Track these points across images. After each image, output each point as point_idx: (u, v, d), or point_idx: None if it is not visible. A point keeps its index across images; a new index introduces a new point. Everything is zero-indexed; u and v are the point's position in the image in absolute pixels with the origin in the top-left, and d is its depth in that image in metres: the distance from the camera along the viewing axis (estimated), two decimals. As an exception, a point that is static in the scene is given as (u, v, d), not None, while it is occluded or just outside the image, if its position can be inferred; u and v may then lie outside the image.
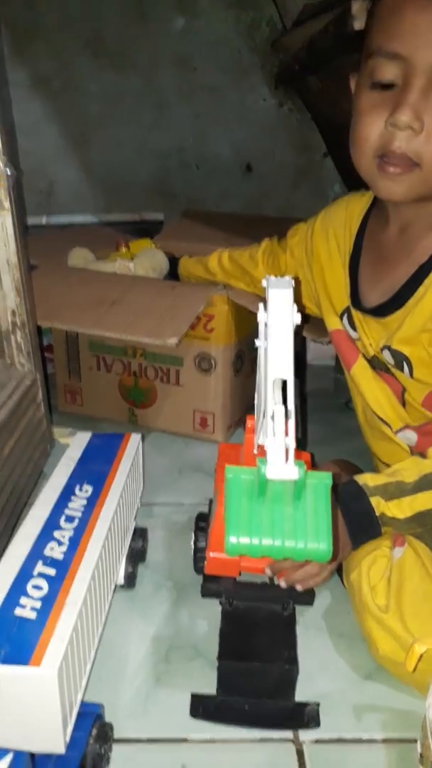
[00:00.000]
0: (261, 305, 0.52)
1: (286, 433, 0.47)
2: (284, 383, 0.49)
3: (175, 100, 1.53)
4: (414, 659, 0.52)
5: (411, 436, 0.75)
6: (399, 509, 0.63)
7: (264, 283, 0.54)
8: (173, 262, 1.09)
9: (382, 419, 0.76)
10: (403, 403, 0.74)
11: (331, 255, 0.79)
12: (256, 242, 0.98)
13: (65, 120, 1.52)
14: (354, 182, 0.82)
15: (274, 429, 0.47)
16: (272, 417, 0.47)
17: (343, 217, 0.79)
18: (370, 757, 0.56)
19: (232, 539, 0.47)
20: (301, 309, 0.54)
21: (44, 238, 1.33)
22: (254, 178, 1.60)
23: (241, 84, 1.53)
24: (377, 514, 0.63)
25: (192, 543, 0.73)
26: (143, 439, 0.81)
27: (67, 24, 1.46)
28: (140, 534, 0.76)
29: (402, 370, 0.70)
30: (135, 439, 0.79)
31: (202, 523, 0.74)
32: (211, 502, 0.75)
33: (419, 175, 0.60)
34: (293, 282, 0.54)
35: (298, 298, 0.68)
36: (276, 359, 0.50)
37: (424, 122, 0.58)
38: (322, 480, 0.49)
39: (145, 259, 1.09)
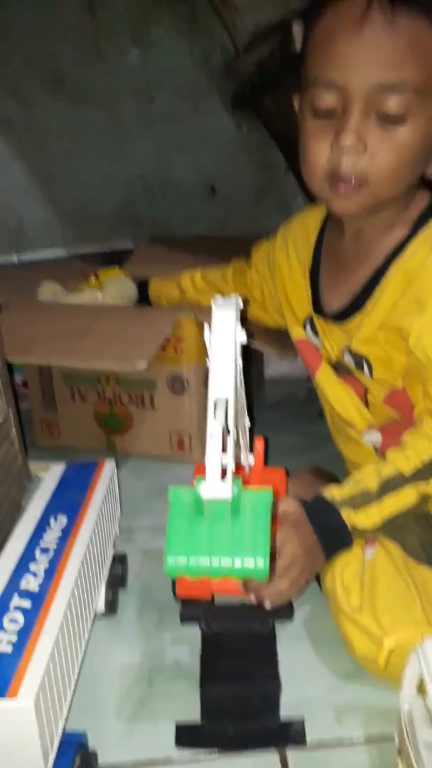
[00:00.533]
0: (207, 326, 0.53)
1: (224, 451, 0.48)
2: (226, 401, 0.50)
3: (135, 130, 1.56)
4: (384, 655, 0.53)
5: (376, 438, 0.77)
6: (368, 518, 0.64)
7: (212, 302, 0.55)
8: (143, 285, 1.11)
9: (347, 422, 0.78)
10: (367, 404, 0.76)
11: (291, 267, 0.82)
12: (223, 263, 1.01)
13: (30, 157, 1.55)
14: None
15: (212, 447, 0.47)
16: (211, 435, 0.48)
17: (301, 230, 0.82)
18: (352, 756, 0.57)
19: (170, 559, 0.47)
20: (248, 327, 0.54)
21: (13, 275, 1.35)
22: (219, 200, 1.63)
23: (199, 109, 1.57)
24: (349, 527, 0.65)
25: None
26: (121, 465, 0.82)
27: (25, 64, 1.49)
28: (119, 560, 0.77)
29: (362, 370, 0.73)
30: (109, 465, 0.81)
31: None
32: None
33: (369, 191, 0.64)
34: (240, 301, 0.55)
35: (247, 316, 0.69)
36: (216, 379, 0.50)
37: (367, 143, 0.61)
38: (261, 497, 0.48)
39: (113, 288, 1.11)
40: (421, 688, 0.51)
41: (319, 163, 0.64)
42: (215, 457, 0.47)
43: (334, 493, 0.66)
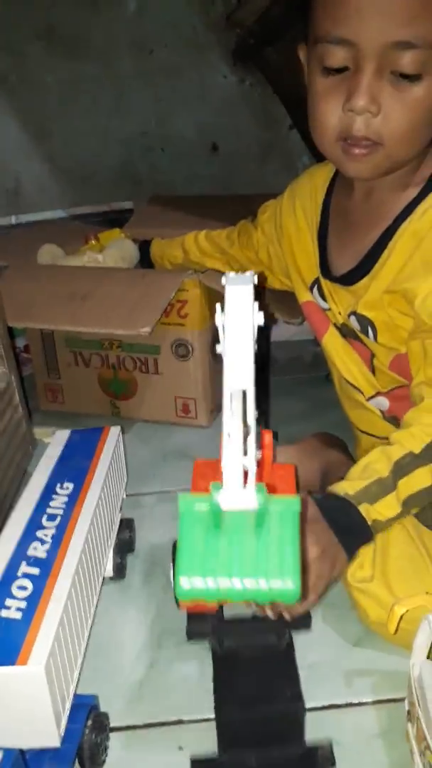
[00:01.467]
0: (218, 306, 0.47)
1: (245, 453, 0.41)
2: (244, 393, 0.44)
3: (134, 85, 1.51)
4: (395, 621, 0.53)
5: (383, 402, 0.75)
6: (388, 508, 0.60)
7: (223, 280, 0.50)
8: (145, 247, 1.08)
9: (354, 386, 0.77)
10: (373, 370, 0.74)
11: (299, 227, 0.80)
12: (226, 223, 0.98)
13: (25, 114, 1.50)
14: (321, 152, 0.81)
15: (230, 449, 0.41)
16: (228, 435, 0.41)
17: (309, 189, 0.80)
18: (360, 718, 0.57)
19: (184, 581, 0.39)
20: (265, 307, 0.49)
21: (12, 238, 1.32)
22: (221, 157, 1.58)
23: (199, 63, 1.51)
24: (369, 522, 0.60)
25: (171, 575, 0.65)
26: (127, 430, 0.81)
27: (18, 17, 1.43)
28: (127, 525, 0.77)
29: (367, 335, 0.71)
30: (114, 431, 0.80)
31: None
32: None
33: (383, 152, 0.61)
34: (255, 277, 0.49)
35: (262, 295, 0.64)
36: (233, 368, 0.44)
37: (381, 104, 0.58)
38: (289, 506, 0.41)
39: (114, 250, 1.08)
40: (430, 654, 0.52)
41: (330, 124, 0.61)
42: (235, 460, 0.41)
43: (345, 487, 0.61)
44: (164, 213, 1.30)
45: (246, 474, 0.41)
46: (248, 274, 0.49)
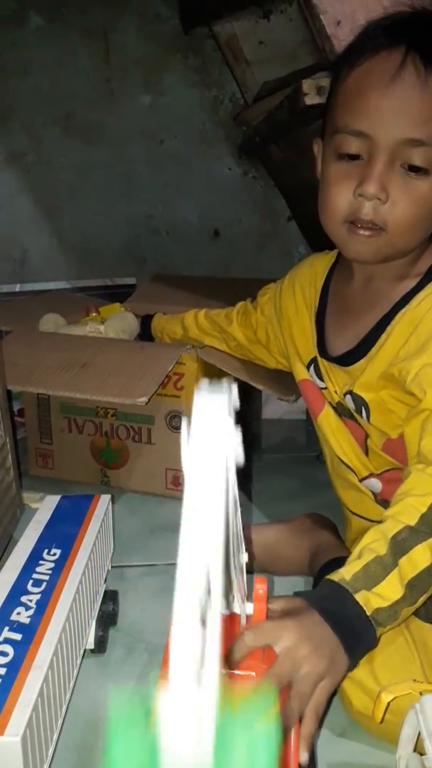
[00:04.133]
0: (184, 424, 0.34)
1: (201, 660, 0.28)
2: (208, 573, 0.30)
3: (144, 171, 1.60)
4: (381, 709, 0.51)
5: (375, 484, 0.76)
6: (390, 589, 0.55)
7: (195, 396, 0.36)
8: (146, 321, 1.12)
9: (347, 466, 0.78)
10: (366, 450, 0.75)
11: (298, 309, 0.84)
12: (224, 303, 1.03)
13: (38, 191, 1.58)
14: (317, 243, 0.86)
15: (179, 660, 0.28)
16: (182, 634, 0.28)
17: (309, 274, 0.84)
18: None
19: None
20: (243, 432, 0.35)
21: (16, 305, 1.35)
22: (222, 243, 1.66)
23: (206, 155, 1.61)
24: (369, 612, 0.53)
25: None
26: (115, 500, 0.81)
27: (40, 102, 1.53)
28: (111, 597, 0.75)
29: (361, 414, 0.73)
30: (104, 499, 0.80)
31: None
32: None
33: (386, 238, 0.65)
34: (234, 388, 0.36)
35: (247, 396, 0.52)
36: (192, 530, 0.31)
37: (389, 193, 0.63)
38: (262, 735, 0.27)
39: (115, 322, 1.11)
40: (418, 747, 0.50)
41: (339, 207, 0.65)
42: (185, 683, 0.27)
43: (342, 573, 0.55)
44: (165, 291, 1.35)
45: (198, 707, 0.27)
46: (224, 382, 0.36)
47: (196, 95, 1.58)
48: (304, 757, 0.46)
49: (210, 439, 0.33)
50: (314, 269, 0.83)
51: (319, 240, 0.78)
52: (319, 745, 0.61)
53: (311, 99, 0.96)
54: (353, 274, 0.74)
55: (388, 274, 0.70)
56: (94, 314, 1.17)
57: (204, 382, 0.36)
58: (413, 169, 0.62)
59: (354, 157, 0.64)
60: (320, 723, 0.51)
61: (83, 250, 1.62)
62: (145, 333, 1.11)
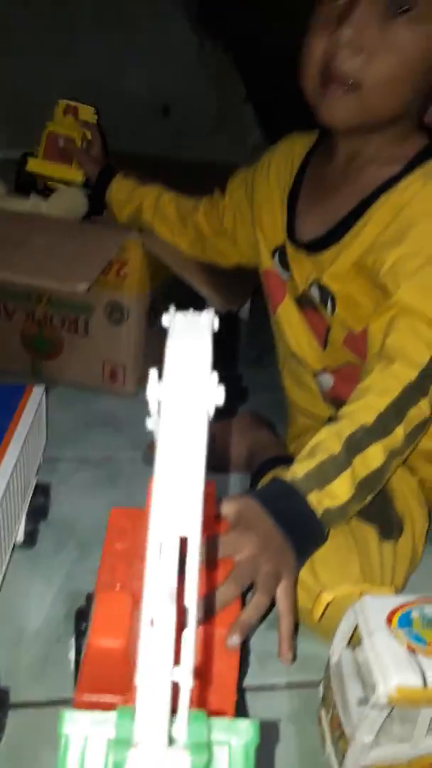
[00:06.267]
0: (153, 373, 0.29)
1: (176, 661, 0.25)
2: (184, 542, 0.27)
3: (86, 28, 1.43)
4: (321, 608, 0.52)
5: (327, 380, 0.74)
6: (342, 489, 0.55)
7: (165, 319, 0.31)
8: (105, 175, 0.97)
9: (301, 361, 0.75)
10: (325, 343, 0.72)
11: (270, 189, 0.77)
12: (173, 186, 0.94)
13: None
14: (273, 130, 0.78)
15: (151, 658, 0.25)
16: (151, 622, 0.25)
17: (287, 152, 0.77)
18: (274, 701, 0.57)
19: None
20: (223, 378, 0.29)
21: None
22: (171, 121, 1.53)
23: (160, 15, 1.44)
24: (319, 515, 0.53)
25: (70, 653, 0.52)
26: (48, 391, 0.77)
27: None
28: (42, 490, 0.73)
29: (326, 307, 0.69)
30: (38, 391, 0.75)
31: (83, 623, 0.51)
32: (89, 596, 0.53)
33: (360, 97, 0.60)
34: (216, 322, 0.31)
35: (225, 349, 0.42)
36: (170, 497, 0.27)
37: (365, 44, 0.57)
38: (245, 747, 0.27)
39: (60, 201, 1.01)
40: (351, 642, 0.51)
41: (314, 56, 0.60)
42: (159, 699, 0.25)
43: (295, 470, 0.55)
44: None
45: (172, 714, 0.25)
46: (204, 314, 0.31)
47: None
48: (234, 641, 0.46)
49: (188, 383, 0.28)
50: (293, 148, 0.76)
51: (274, 126, 0.71)
52: (249, 636, 0.62)
53: None
54: (334, 152, 0.69)
55: (371, 153, 0.65)
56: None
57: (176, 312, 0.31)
58: (397, 4, 0.56)
59: None
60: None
61: (16, 116, 1.45)
62: (96, 191, 0.97)
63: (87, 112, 1.04)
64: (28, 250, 0.88)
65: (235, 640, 0.46)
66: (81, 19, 1.41)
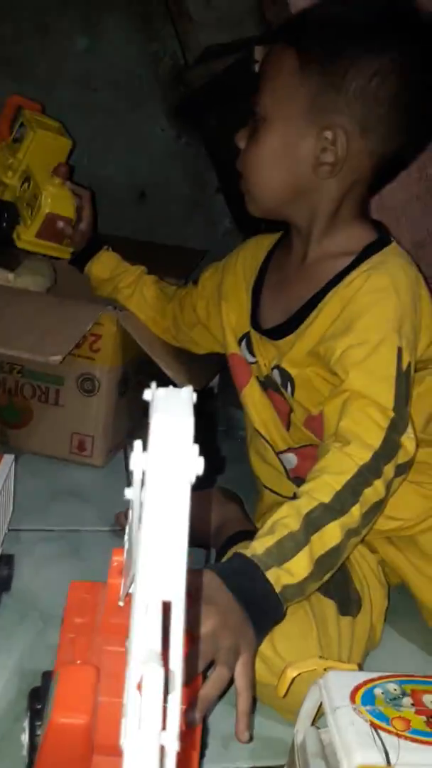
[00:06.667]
0: (135, 444, 0.31)
1: (163, 725, 0.25)
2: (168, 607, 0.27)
3: (72, 118, 1.51)
4: (285, 684, 0.51)
5: (291, 459, 0.77)
6: (300, 566, 0.56)
7: (147, 394, 0.33)
8: (94, 244, 0.99)
9: (266, 440, 0.79)
10: (288, 425, 0.76)
11: (237, 283, 0.83)
12: (148, 267, 0.99)
13: None
14: (243, 220, 0.85)
15: (138, 722, 0.25)
16: (138, 688, 0.25)
17: (253, 249, 0.84)
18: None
19: None
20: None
21: None
22: (148, 206, 1.60)
23: (140, 111, 1.54)
24: (278, 591, 0.54)
25: (24, 736, 0.48)
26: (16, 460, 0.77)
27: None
28: (5, 561, 0.72)
29: (286, 389, 0.73)
30: (7, 459, 0.76)
31: (38, 704, 0.49)
32: (45, 674, 0.51)
33: (245, 185, 0.72)
34: (193, 394, 0.33)
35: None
36: (154, 562, 0.27)
37: (242, 145, 0.72)
38: None
39: (28, 275, 1.04)
40: (315, 721, 0.51)
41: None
42: (147, 763, 0.25)
43: (255, 547, 0.55)
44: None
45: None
46: (185, 391, 0.33)
47: (135, 44, 1.50)
48: (195, 717, 0.46)
49: (171, 456, 0.29)
50: (259, 245, 0.83)
51: (243, 215, 0.79)
52: (214, 716, 0.60)
53: (262, 66, 0.94)
54: (292, 247, 0.75)
55: (320, 250, 0.72)
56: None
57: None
58: (255, 117, 0.69)
59: None
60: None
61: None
62: (78, 260, 0.98)
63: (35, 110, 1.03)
64: (3, 320, 0.91)
65: (196, 715, 0.46)
66: (66, 107, 1.49)
